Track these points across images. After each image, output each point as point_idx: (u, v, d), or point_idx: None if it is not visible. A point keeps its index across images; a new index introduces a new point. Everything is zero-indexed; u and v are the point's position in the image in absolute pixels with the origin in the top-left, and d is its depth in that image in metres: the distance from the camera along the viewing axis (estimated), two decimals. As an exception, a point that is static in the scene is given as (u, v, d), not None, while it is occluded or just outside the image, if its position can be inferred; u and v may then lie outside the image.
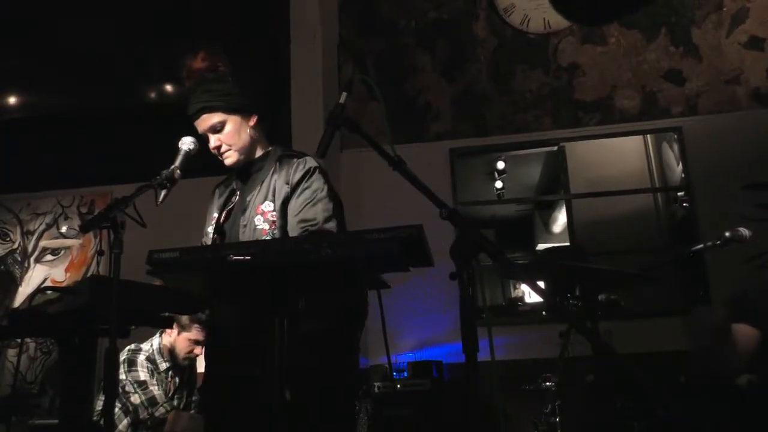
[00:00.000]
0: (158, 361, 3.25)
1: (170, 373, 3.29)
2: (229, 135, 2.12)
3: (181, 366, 3.31)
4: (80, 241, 5.36)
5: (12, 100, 5.67)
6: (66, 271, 5.33)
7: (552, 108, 5.17)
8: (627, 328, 4.14)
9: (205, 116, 2.11)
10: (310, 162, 2.11)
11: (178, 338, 3.24)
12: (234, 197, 2.19)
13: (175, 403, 3.29)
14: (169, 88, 5.53)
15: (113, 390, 2.46)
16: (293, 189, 2.07)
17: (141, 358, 3.22)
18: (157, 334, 3.34)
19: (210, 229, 2.19)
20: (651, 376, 3.10)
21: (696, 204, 4.79)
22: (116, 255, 1.64)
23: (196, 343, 3.23)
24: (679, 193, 5.28)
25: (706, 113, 4.95)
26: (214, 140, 2.12)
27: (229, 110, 2.13)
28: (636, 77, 5.11)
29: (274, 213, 2.06)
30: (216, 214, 2.19)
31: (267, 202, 2.08)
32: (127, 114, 5.46)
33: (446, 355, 4.41)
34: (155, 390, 3.16)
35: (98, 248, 5.30)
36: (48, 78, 5.57)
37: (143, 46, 5.32)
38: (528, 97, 5.22)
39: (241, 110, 2.16)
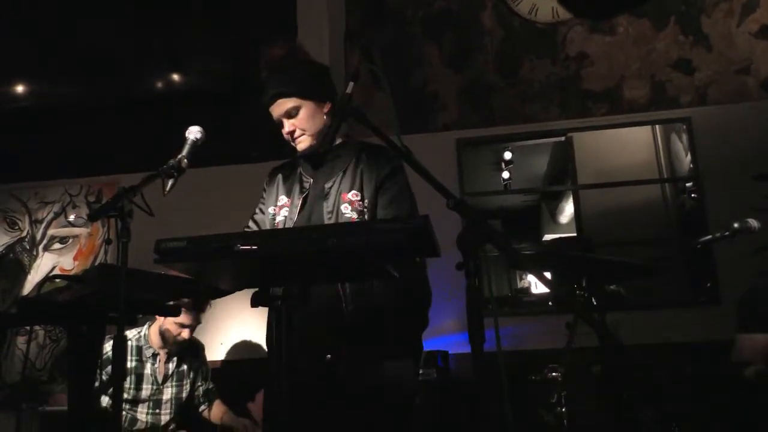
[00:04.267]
0: (144, 347, 3.33)
1: (158, 357, 3.34)
2: (303, 120, 2.13)
3: (171, 350, 3.36)
4: (88, 230, 5.39)
5: (19, 88, 5.68)
6: (74, 259, 5.36)
7: (560, 98, 5.14)
8: (634, 319, 4.14)
9: (280, 101, 2.12)
10: (397, 158, 2.13)
11: (165, 322, 3.30)
12: (305, 183, 2.18)
13: (170, 388, 3.33)
14: (176, 77, 5.53)
15: (121, 378, 2.48)
16: (382, 182, 2.11)
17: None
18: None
19: (273, 210, 2.19)
20: (658, 367, 3.10)
21: (705, 195, 4.77)
22: (124, 244, 1.65)
23: (182, 326, 3.28)
24: (688, 184, 5.26)
25: (715, 103, 4.91)
26: (288, 125, 2.13)
27: (303, 95, 2.13)
28: (645, 67, 5.07)
29: (362, 203, 2.08)
30: (286, 198, 2.18)
31: (354, 191, 2.10)
32: (134, 103, 5.47)
33: (452, 346, 4.42)
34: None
35: (106, 237, 5.32)
36: (55, 67, 5.58)
37: (151, 35, 5.32)
38: (535, 87, 5.20)
39: (316, 96, 2.16)
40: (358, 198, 2.09)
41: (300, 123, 2.13)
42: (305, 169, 2.23)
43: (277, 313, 1.57)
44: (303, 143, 2.16)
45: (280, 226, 2.14)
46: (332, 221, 2.06)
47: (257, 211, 2.28)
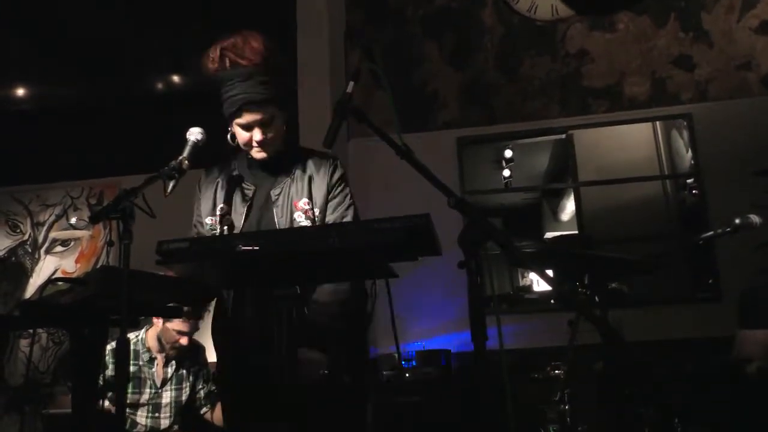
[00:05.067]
0: (141, 351, 3.33)
1: (156, 361, 3.34)
2: (276, 129, 2.07)
3: (169, 355, 3.36)
4: (90, 232, 5.40)
5: (20, 91, 5.69)
6: (76, 261, 5.37)
7: (560, 95, 5.14)
8: (636, 316, 4.14)
9: (257, 108, 2.02)
10: (341, 166, 2.15)
11: (163, 327, 3.30)
12: (247, 190, 2.12)
13: (169, 391, 3.34)
14: (176, 78, 5.54)
15: (124, 380, 2.48)
16: (330, 190, 2.10)
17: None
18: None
19: (210, 220, 2.12)
20: (659, 364, 3.10)
21: (706, 191, 4.76)
22: (125, 245, 1.65)
23: (180, 333, 3.28)
24: (689, 180, 5.25)
25: (716, 99, 4.91)
26: (259, 133, 2.04)
27: (279, 105, 2.07)
28: (645, 63, 5.06)
29: (312, 211, 2.05)
30: (223, 205, 2.11)
31: (305, 200, 2.06)
32: (135, 105, 5.48)
33: (455, 344, 4.42)
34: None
35: (108, 239, 5.33)
36: (56, 69, 5.59)
37: (151, 36, 5.33)
38: (536, 84, 5.19)
39: (286, 106, 2.11)
40: (309, 207, 2.06)
41: (273, 132, 2.06)
42: (245, 175, 2.15)
43: (278, 312, 1.57)
44: (264, 153, 2.08)
45: (208, 233, 2.09)
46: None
47: (195, 224, 2.19)
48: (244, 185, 2.13)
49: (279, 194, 2.08)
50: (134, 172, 4.25)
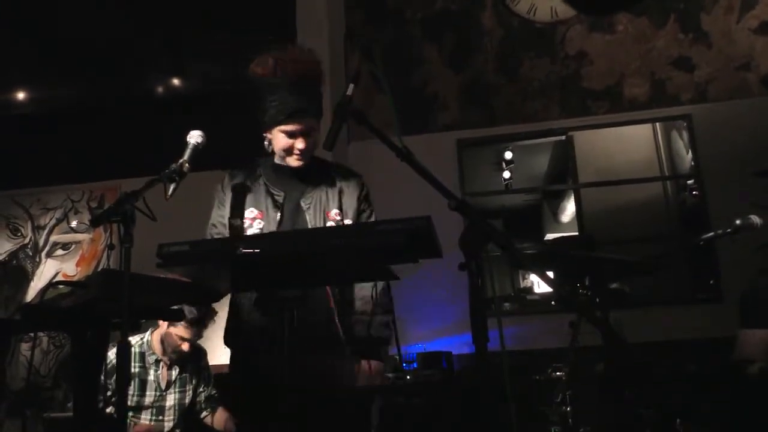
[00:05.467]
0: (147, 353, 3.33)
1: (161, 363, 3.34)
2: (314, 139, 2.16)
3: (170, 359, 3.36)
4: (90, 236, 5.40)
5: (20, 95, 5.69)
6: (77, 265, 5.37)
7: (560, 97, 5.15)
8: (637, 317, 4.13)
9: (304, 118, 2.12)
10: (362, 179, 2.29)
11: (167, 332, 3.30)
12: (276, 197, 2.18)
13: (173, 394, 3.34)
14: (177, 82, 5.54)
15: (125, 383, 2.48)
16: (359, 204, 2.22)
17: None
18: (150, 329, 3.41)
19: (223, 222, 2.17)
20: (660, 365, 3.10)
21: (706, 192, 4.76)
22: (126, 249, 1.65)
23: (183, 339, 3.29)
24: (689, 181, 5.26)
25: (715, 100, 4.91)
26: (302, 142, 2.13)
27: (319, 118, 2.18)
28: (645, 65, 5.07)
29: (343, 221, 2.15)
30: (256, 210, 2.16)
31: (336, 210, 2.16)
32: (135, 108, 5.48)
33: (456, 346, 4.42)
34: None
35: (108, 242, 5.33)
36: (56, 73, 5.59)
37: (152, 39, 5.33)
38: (535, 86, 5.20)
39: (321, 117, 2.22)
40: (340, 217, 2.15)
41: (312, 144, 2.15)
42: (271, 181, 2.22)
43: (281, 315, 1.57)
44: (302, 161, 2.17)
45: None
46: None
47: (216, 224, 2.23)
48: (273, 191, 2.19)
49: (310, 203, 2.16)
50: (135, 175, 4.23)
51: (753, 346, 2.57)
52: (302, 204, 2.16)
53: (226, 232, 2.15)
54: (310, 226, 2.11)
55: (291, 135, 2.12)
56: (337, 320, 2.05)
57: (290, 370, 1.54)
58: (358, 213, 2.20)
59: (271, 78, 2.08)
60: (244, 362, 2.12)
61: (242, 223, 2.12)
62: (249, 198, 2.18)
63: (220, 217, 2.22)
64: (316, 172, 2.22)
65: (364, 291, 2.13)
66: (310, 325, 1.83)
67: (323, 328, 2.01)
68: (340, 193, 2.19)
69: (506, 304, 6.15)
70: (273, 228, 2.12)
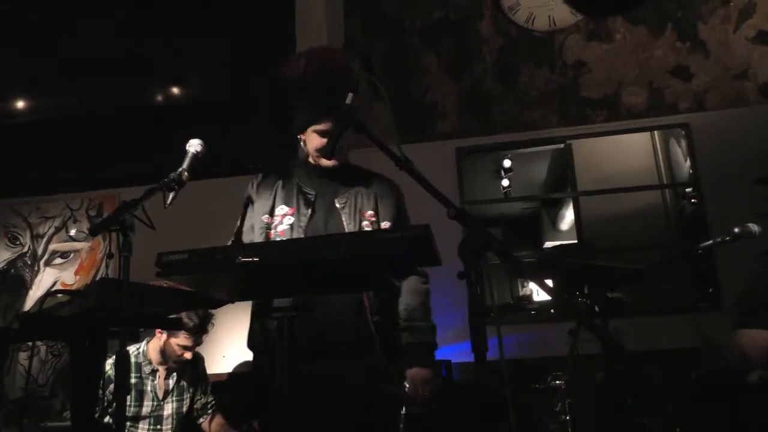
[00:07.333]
0: (143, 363, 3.32)
1: (158, 373, 3.33)
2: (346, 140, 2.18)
3: (171, 367, 3.35)
4: (89, 244, 5.39)
5: (19, 103, 5.70)
6: (75, 274, 5.36)
7: (558, 105, 5.16)
8: (637, 325, 4.12)
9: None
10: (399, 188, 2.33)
11: (168, 342, 3.29)
12: (309, 195, 2.21)
13: (170, 403, 3.33)
14: (176, 90, 5.55)
15: (124, 393, 2.47)
16: (399, 210, 2.27)
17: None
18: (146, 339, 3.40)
19: (266, 219, 2.18)
20: (661, 374, 3.09)
21: (705, 200, 4.77)
22: (125, 257, 1.65)
23: (184, 348, 3.28)
24: (688, 190, 5.26)
25: (713, 109, 4.92)
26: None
27: None
28: (643, 73, 5.08)
29: (378, 223, 2.18)
30: (287, 207, 2.19)
31: (371, 212, 2.19)
32: (134, 117, 5.48)
33: (455, 355, 4.40)
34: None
35: (107, 251, 5.32)
36: (55, 81, 5.59)
37: (151, 48, 5.34)
38: (534, 94, 5.21)
39: None
40: (375, 219, 2.19)
41: (345, 142, 2.18)
42: (303, 181, 2.25)
43: (280, 323, 1.57)
44: (336, 161, 2.22)
45: (285, 234, 2.15)
46: None
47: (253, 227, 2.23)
48: (305, 190, 2.23)
49: (345, 203, 2.20)
50: (134, 184, 4.24)
51: (753, 350, 2.56)
52: (337, 203, 2.19)
53: (255, 235, 2.18)
54: (345, 225, 2.14)
55: (324, 134, 2.15)
56: (370, 319, 2.06)
57: (290, 378, 1.54)
58: (396, 217, 2.24)
59: (302, 79, 2.11)
60: (267, 367, 2.14)
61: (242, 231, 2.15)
62: (280, 195, 2.22)
63: (249, 218, 2.24)
64: (350, 175, 2.26)
65: (407, 298, 2.21)
66: (337, 325, 1.85)
67: (351, 329, 2.02)
68: (377, 197, 2.23)
69: (505, 314, 6.13)
70: (303, 224, 2.15)
